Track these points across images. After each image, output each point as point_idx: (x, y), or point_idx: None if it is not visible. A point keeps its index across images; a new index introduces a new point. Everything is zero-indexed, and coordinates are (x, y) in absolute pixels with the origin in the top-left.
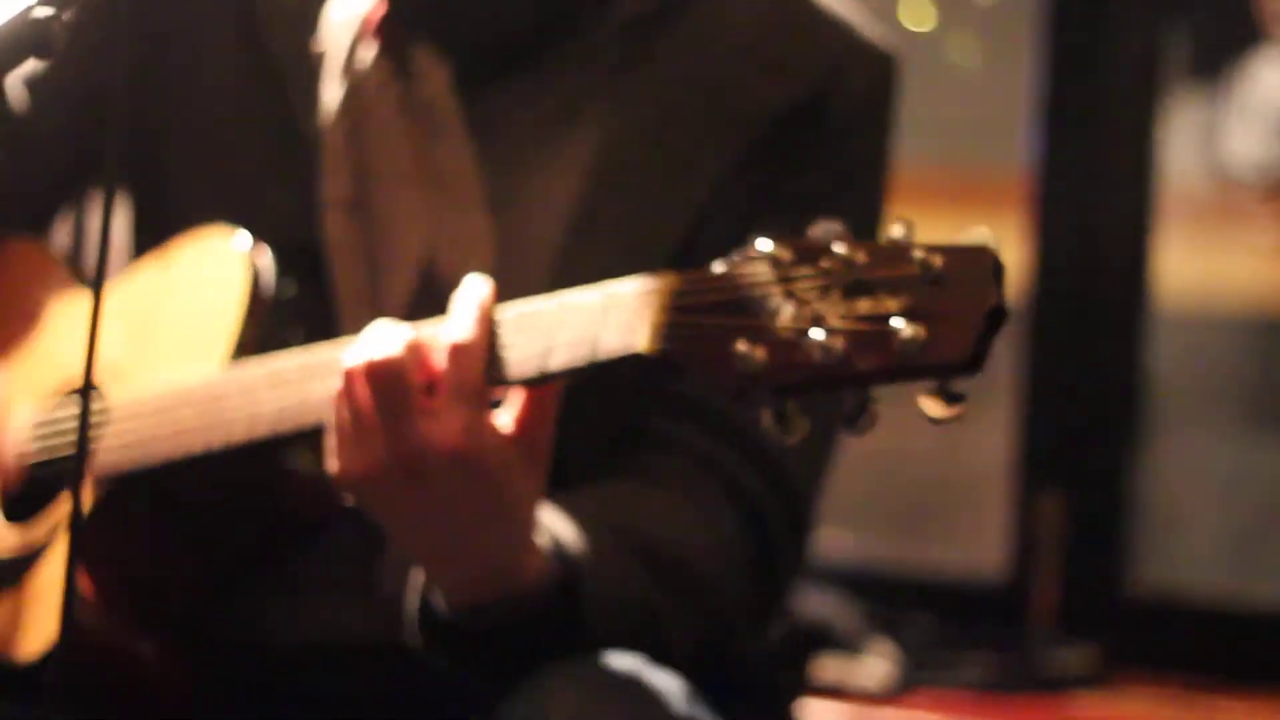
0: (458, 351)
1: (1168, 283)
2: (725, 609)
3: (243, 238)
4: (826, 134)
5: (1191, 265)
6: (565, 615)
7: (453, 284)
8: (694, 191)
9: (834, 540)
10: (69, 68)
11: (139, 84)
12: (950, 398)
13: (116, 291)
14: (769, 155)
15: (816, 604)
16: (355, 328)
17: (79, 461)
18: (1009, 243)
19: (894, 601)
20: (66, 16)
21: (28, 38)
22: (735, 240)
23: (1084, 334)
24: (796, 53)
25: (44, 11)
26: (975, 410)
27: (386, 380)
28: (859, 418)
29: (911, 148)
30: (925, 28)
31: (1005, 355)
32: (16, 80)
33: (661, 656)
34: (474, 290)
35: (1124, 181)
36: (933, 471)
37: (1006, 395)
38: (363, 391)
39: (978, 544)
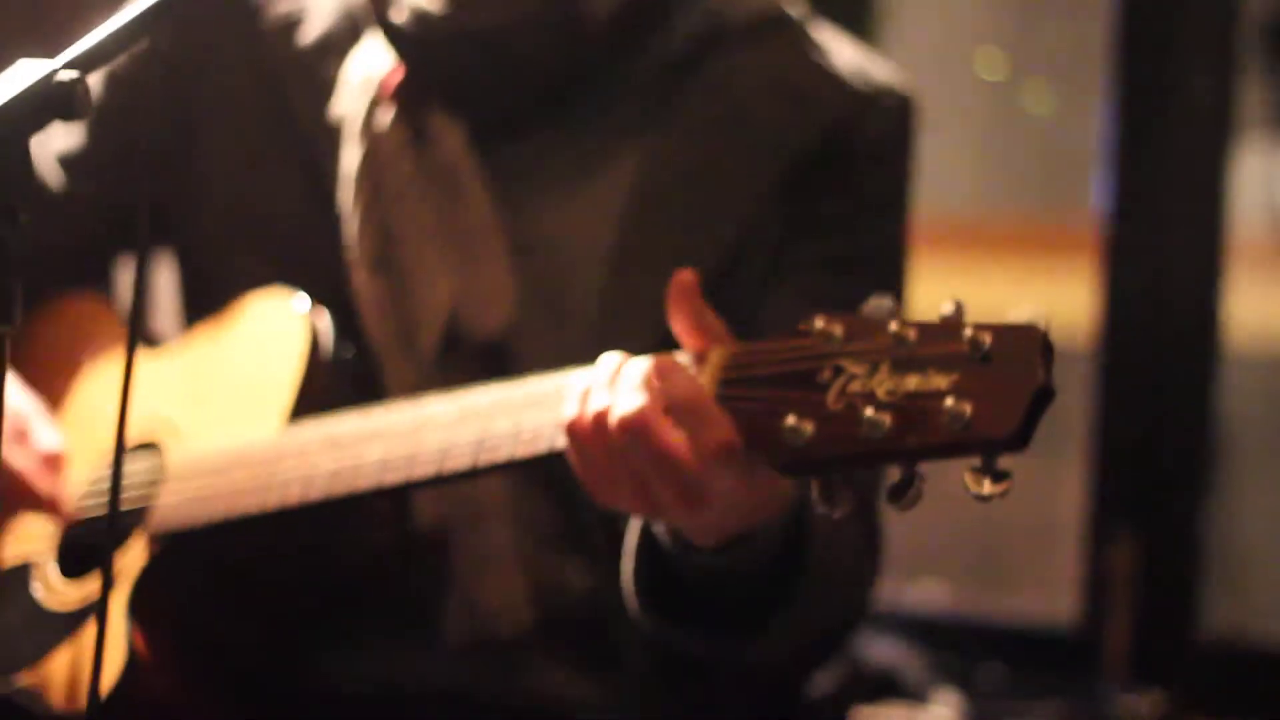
0: (665, 371)
1: (1239, 327)
2: (849, 604)
3: (302, 300)
4: (851, 164)
5: (1262, 309)
6: (796, 552)
7: (477, 335)
8: (728, 225)
9: (906, 588)
10: (107, 132)
11: (177, 147)
12: (996, 475)
13: (178, 351)
14: (798, 186)
15: (883, 652)
16: (395, 378)
17: (111, 519)
18: (1080, 287)
19: (966, 649)
20: (90, 81)
21: (53, 101)
22: (770, 270)
23: (1155, 379)
24: (820, 90)
25: (68, 75)
26: (1047, 457)
27: (658, 454)
28: (906, 492)
29: (985, 193)
30: (998, 77)
31: (1077, 401)
32: (49, 152)
33: (823, 623)
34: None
35: (1194, 226)
36: (1004, 519)
37: (1078, 441)
38: (633, 452)
39: (1049, 591)
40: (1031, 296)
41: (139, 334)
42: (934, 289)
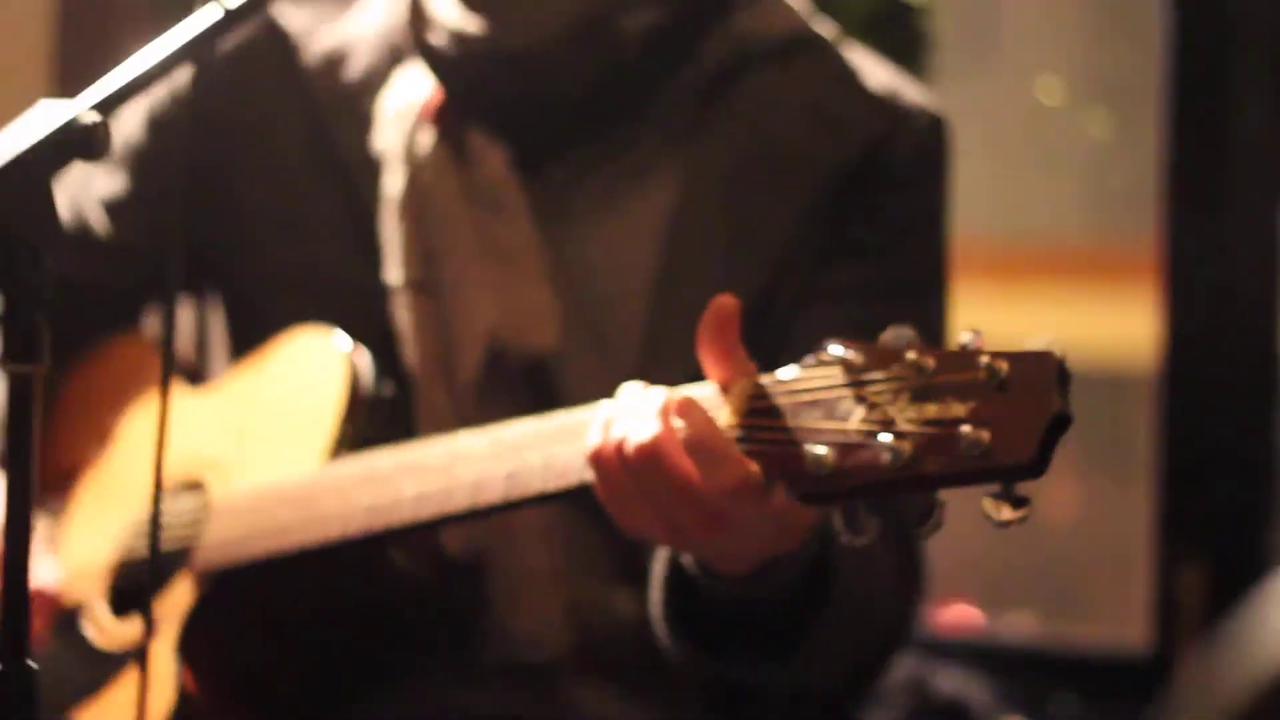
0: (683, 410)
1: None
2: (886, 626)
3: (342, 338)
4: (886, 184)
5: None
6: (821, 577)
7: (520, 354)
8: (767, 246)
9: (972, 617)
10: (149, 177)
11: (219, 188)
12: (1015, 501)
13: (221, 389)
14: (834, 206)
15: (952, 681)
16: (432, 402)
17: (151, 561)
18: (1142, 313)
19: (1036, 678)
20: (122, 123)
21: (75, 142)
22: (808, 290)
23: (1219, 402)
24: (853, 110)
25: (91, 117)
26: (1114, 483)
27: (676, 483)
28: (927, 520)
29: (1044, 220)
30: (1057, 103)
31: (1142, 426)
32: (94, 197)
33: (847, 655)
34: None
35: (1254, 249)
36: (1072, 546)
37: (1145, 467)
38: (650, 478)
39: (1120, 618)
40: (1094, 322)
41: (180, 374)
42: (996, 315)
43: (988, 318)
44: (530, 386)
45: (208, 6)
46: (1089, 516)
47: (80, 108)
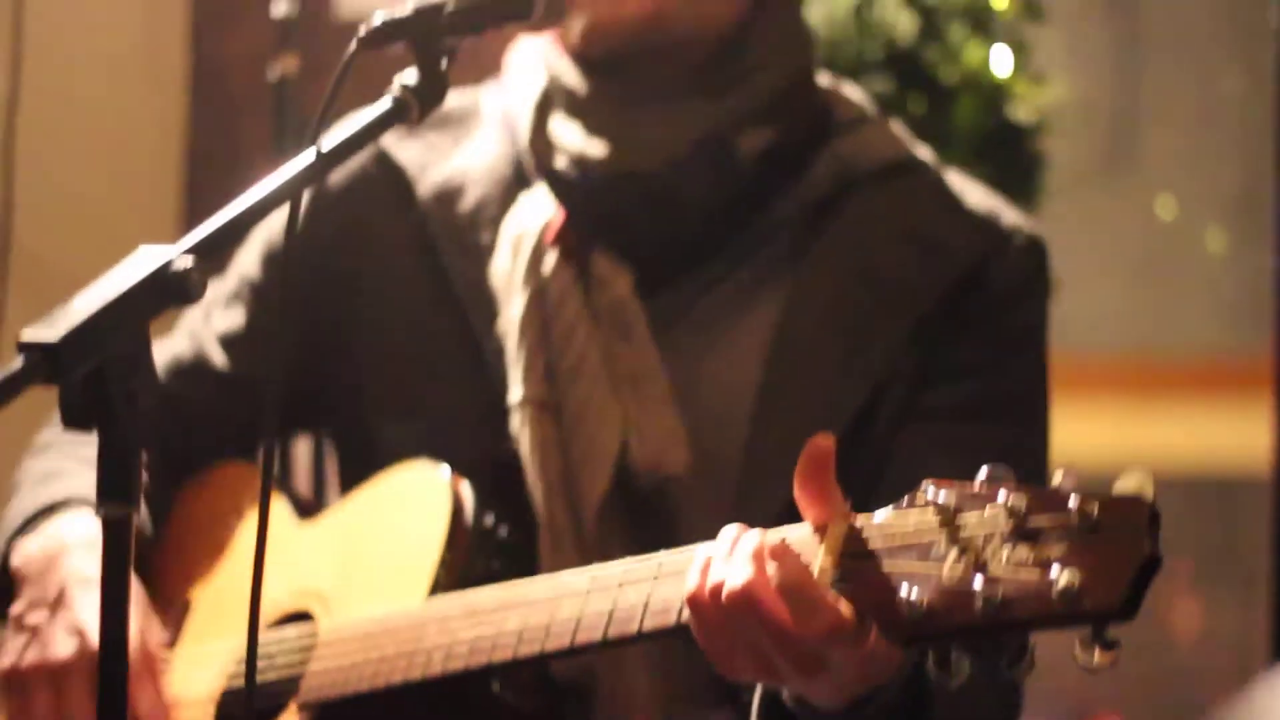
0: (778, 554)
1: None
2: None
3: (445, 471)
4: (986, 306)
5: None
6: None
7: (648, 478)
8: (868, 366)
9: None
10: (266, 312)
11: (335, 323)
12: (1105, 644)
13: (327, 522)
14: (935, 328)
15: None
16: (550, 520)
17: (248, 696)
18: (1257, 424)
19: None
20: (205, 267)
21: (170, 287)
22: (908, 410)
23: None
24: (954, 233)
25: (184, 262)
26: (1234, 593)
27: (770, 628)
28: (1019, 661)
29: (1160, 334)
30: (1170, 215)
31: (1259, 539)
32: (212, 332)
33: None
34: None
35: None
36: (1191, 656)
37: (1262, 577)
38: (745, 623)
39: None
40: (1211, 433)
41: (291, 505)
42: (1115, 426)
43: (1108, 428)
44: (649, 507)
45: (307, 150)
46: (1211, 629)
47: (176, 253)
